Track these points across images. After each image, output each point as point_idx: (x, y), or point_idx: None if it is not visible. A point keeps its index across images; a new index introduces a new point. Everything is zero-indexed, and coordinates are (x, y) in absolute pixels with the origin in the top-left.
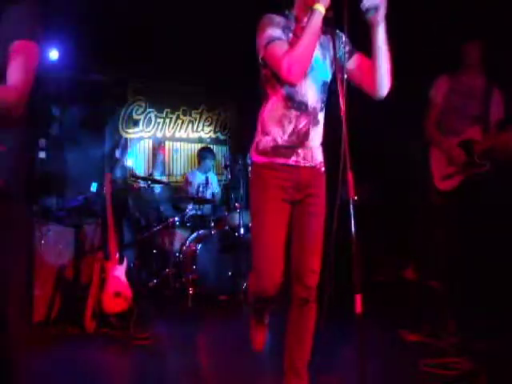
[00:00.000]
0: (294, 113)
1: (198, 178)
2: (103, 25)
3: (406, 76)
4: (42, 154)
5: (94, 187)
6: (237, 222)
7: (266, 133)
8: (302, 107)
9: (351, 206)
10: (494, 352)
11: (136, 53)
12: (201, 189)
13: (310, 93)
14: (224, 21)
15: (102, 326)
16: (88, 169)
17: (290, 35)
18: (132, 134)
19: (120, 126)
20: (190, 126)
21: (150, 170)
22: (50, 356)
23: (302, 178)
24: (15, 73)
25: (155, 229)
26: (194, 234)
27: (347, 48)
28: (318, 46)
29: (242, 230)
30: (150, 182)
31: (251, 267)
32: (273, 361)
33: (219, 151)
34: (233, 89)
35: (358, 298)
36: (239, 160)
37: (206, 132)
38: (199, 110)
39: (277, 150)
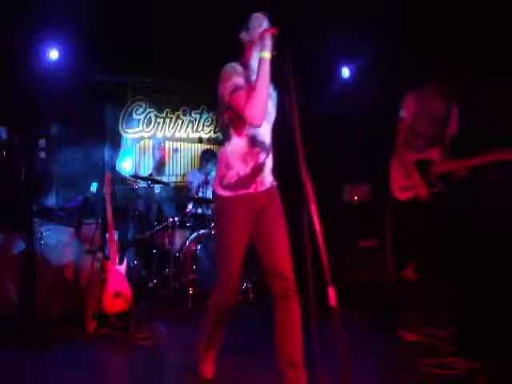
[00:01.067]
0: (255, 150)
1: (198, 178)
2: (103, 25)
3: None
4: (42, 154)
5: (94, 187)
6: None
7: (229, 168)
8: (261, 145)
9: (310, 208)
10: (494, 352)
11: (136, 53)
12: (201, 189)
13: (266, 132)
14: (224, 21)
15: (101, 325)
16: (88, 169)
17: (248, 81)
18: (132, 133)
19: (120, 126)
20: (190, 126)
21: (150, 170)
22: (50, 356)
23: (261, 202)
24: None
25: (155, 229)
26: (194, 234)
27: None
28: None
29: None
30: (150, 182)
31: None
32: (273, 361)
33: (219, 151)
34: None
35: (331, 291)
36: None
37: (205, 132)
38: (199, 110)
39: (239, 182)
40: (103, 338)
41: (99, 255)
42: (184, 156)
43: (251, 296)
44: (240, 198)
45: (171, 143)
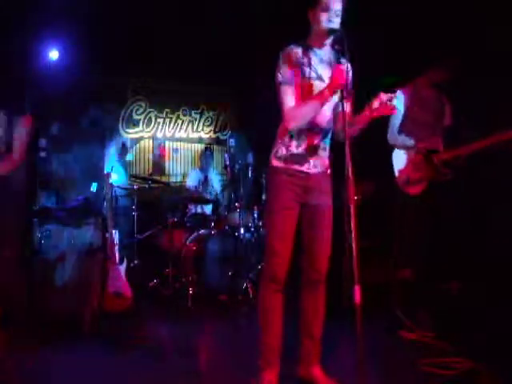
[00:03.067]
0: (309, 132)
1: (198, 177)
2: (103, 25)
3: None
4: (42, 154)
5: (94, 187)
6: (237, 221)
7: (284, 144)
8: (315, 127)
9: (351, 206)
10: (494, 352)
11: (136, 53)
12: (200, 188)
13: (324, 115)
14: (224, 21)
15: (101, 325)
16: (88, 169)
17: (306, 70)
18: (132, 133)
19: (120, 126)
20: (190, 126)
21: (150, 170)
22: (50, 356)
23: (312, 183)
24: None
25: (155, 229)
26: (194, 234)
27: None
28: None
29: (241, 230)
30: (150, 182)
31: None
32: None
33: (219, 151)
34: (233, 89)
35: (357, 289)
36: (239, 160)
37: (205, 132)
38: (199, 110)
39: (292, 158)
40: (103, 338)
41: (99, 255)
42: (184, 156)
43: (251, 296)
44: (291, 171)
45: (171, 143)
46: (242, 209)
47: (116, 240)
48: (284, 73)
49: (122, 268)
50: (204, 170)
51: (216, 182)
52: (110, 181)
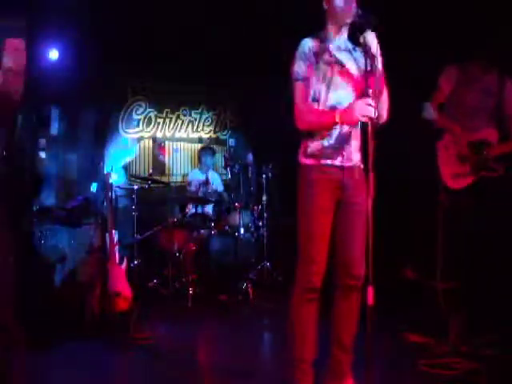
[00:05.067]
0: None
1: (198, 178)
2: (103, 25)
3: (408, 74)
4: (42, 154)
5: (94, 187)
6: (237, 221)
7: (314, 137)
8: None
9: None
10: (494, 352)
11: (136, 53)
12: (201, 188)
13: (350, 95)
14: (224, 21)
15: (102, 326)
16: (88, 169)
17: (326, 57)
18: (132, 133)
19: (120, 126)
20: (190, 126)
21: (150, 170)
22: (50, 356)
23: (346, 178)
24: None
25: (155, 229)
26: (194, 234)
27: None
28: (352, 59)
29: (242, 230)
30: (150, 182)
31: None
32: (273, 361)
33: (219, 151)
34: (233, 88)
35: (370, 290)
36: (239, 160)
37: (206, 132)
38: (199, 110)
39: (324, 152)
40: (103, 338)
41: (99, 255)
42: (184, 156)
43: (251, 296)
44: (324, 168)
45: (171, 143)
46: (241, 209)
47: (116, 240)
48: (297, 69)
49: (122, 268)
50: (204, 169)
51: (217, 181)
52: (110, 181)
